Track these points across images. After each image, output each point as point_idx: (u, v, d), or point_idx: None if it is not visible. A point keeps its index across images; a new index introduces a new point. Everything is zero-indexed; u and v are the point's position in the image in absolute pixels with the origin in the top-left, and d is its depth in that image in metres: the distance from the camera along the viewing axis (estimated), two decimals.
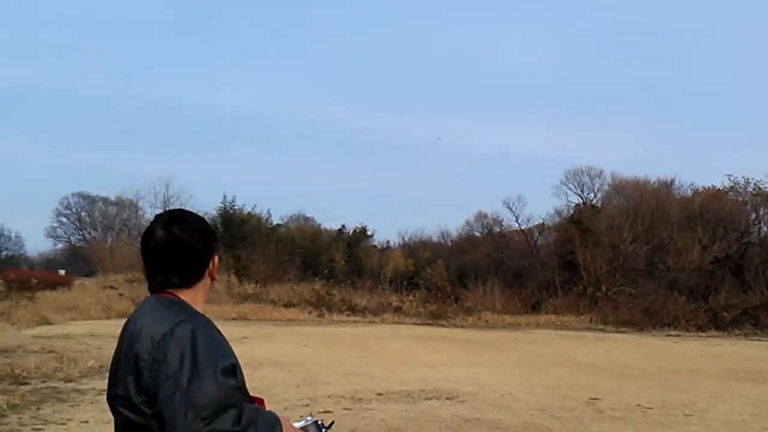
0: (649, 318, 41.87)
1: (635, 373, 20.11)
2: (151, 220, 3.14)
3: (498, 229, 64.23)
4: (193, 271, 3.03)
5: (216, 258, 3.11)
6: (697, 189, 55.43)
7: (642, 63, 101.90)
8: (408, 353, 24.07)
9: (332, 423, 3.27)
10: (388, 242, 76.71)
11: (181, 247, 2.98)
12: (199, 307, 3.02)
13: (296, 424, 3.05)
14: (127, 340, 2.92)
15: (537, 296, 50.42)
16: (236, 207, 57.45)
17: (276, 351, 22.73)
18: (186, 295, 3.00)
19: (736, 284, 46.16)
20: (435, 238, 77.89)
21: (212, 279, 3.12)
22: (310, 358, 21.44)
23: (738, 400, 15.66)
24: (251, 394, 3.00)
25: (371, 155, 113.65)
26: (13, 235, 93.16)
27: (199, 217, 3.16)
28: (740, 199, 51.93)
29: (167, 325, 2.81)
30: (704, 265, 47.58)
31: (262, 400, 3.00)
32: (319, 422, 3.16)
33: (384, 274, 57.80)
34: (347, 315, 43.01)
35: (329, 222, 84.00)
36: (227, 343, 2.96)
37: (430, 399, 14.54)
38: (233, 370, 2.83)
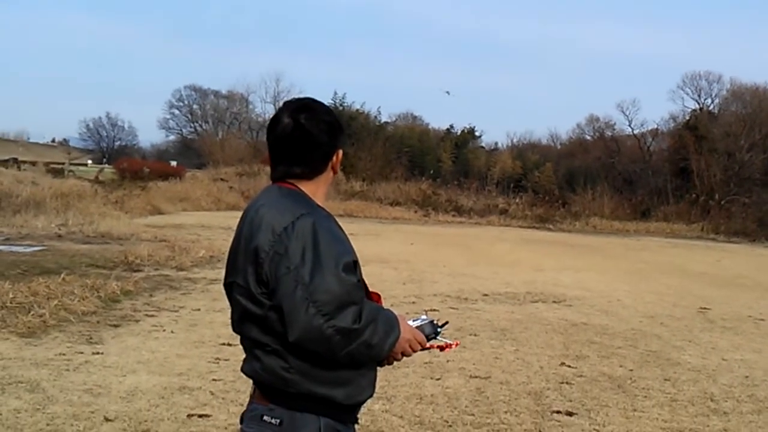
0: (762, 229, 40.86)
1: (747, 284, 19.65)
2: (280, 107, 3.05)
3: (610, 133, 62.84)
4: (316, 163, 2.96)
5: (340, 152, 3.04)
6: None
7: None
8: (514, 256, 23.98)
9: (446, 323, 3.20)
10: (496, 144, 76.12)
11: (306, 136, 2.90)
12: (320, 200, 2.96)
13: (412, 323, 3.00)
14: (246, 229, 2.88)
15: (647, 203, 49.60)
16: (345, 104, 57.49)
17: (382, 248, 22.91)
18: (307, 187, 2.95)
19: None
20: (544, 141, 77.11)
21: (334, 173, 3.06)
22: (416, 256, 21.54)
23: None
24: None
25: (483, 55, 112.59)
26: (126, 126, 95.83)
27: (328, 108, 3.07)
28: None
29: (289, 218, 2.76)
30: None
31: (379, 296, 2.95)
32: (435, 321, 3.09)
33: (491, 176, 57.57)
34: (453, 216, 43.07)
35: (437, 122, 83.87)
36: (348, 238, 2.90)
37: (536, 302, 14.44)
38: (354, 266, 2.79)
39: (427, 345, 3.02)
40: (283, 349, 2.75)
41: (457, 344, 3.17)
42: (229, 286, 2.92)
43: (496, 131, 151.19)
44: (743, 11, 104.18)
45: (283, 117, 2.93)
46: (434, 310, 12.47)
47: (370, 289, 2.94)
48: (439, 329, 3.07)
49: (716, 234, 40.95)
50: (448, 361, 8.95)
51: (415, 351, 2.96)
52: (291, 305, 2.65)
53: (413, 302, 13.37)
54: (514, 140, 78.08)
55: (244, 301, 2.82)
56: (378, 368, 2.96)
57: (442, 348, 3.12)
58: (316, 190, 2.97)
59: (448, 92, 70.26)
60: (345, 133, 3.14)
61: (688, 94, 58.68)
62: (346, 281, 2.69)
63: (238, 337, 2.97)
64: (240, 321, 2.89)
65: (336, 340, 2.65)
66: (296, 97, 3.16)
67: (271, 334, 2.77)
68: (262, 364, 2.82)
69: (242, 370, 2.95)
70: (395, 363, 2.99)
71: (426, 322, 3.05)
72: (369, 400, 2.99)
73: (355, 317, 2.67)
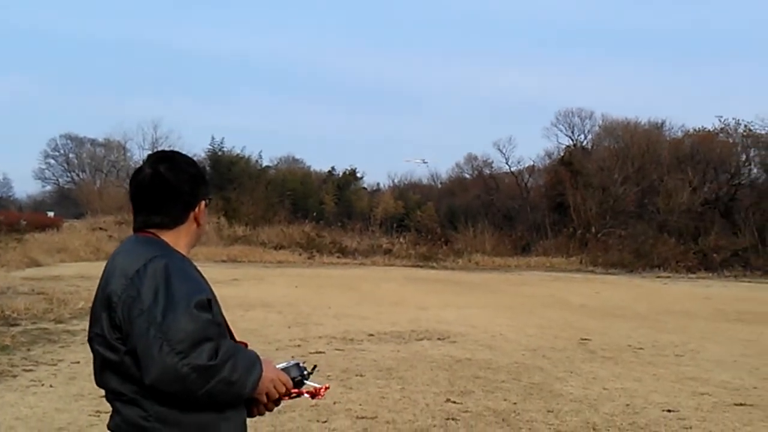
0: (638, 259, 42.10)
1: (625, 314, 20.17)
2: (144, 159, 3.08)
3: (488, 171, 64.03)
4: (175, 212, 2.96)
5: (203, 203, 3.04)
6: (688, 131, 55.50)
7: (632, 3, 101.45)
8: (399, 295, 24.08)
9: (315, 367, 3.19)
10: (377, 184, 76.66)
11: (164, 186, 2.91)
12: (183, 250, 2.96)
13: (278, 366, 2.97)
14: (103, 278, 2.88)
15: (527, 238, 50.56)
16: (225, 149, 57.24)
17: (267, 292, 22.76)
18: (167, 236, 2.94)
19: (726, 226, 46.46)
20: (425, 181, 77.82)
21: (198, 224, 3.04)
22: (301, 299, 21.44)
23: (728, 341, 15.71)
24: (240, 338, 2.95)
25: (362, 98, 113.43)
26: (1, 178, 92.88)
27: (191, 159, 3.10)
28: (730, 140, 51.97)
29: (141, 261, 2.76)
30: (694, 207, 47.73)
31: (246, 345, 2.92)
32: (301, 364, 3.08)
33: (374, 216, 57.80)
34: (337, 257, 43.08)
35: (319, 164, 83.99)
36: (204, 278, 2.89)
37: (421, 340, 14.53)
38: (208, 304, 2.76)
39: (295, 391, 3.00)
40: (140, 397, 2.72)
41: (326, 388, 3.14)
42: (91, 339, 2.88)
43: (378, 172, 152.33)
44: (612, 48, 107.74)
45: (145, 167, 2.95)
46: (320, 352, 12.46)
47: (238, 339, 2.93)
48: (306, 372, 3.06)
49: (594, 266, 41.96)
50: (334, 402, 8.93)
51: (281, 393, 2.91)
52: (145, 346, 2.62)
53: (299, 345, 13.31)
54: (396, 181, 78.77)
55: (102, 350, 2.80)
56: (261, 416, 2.93)
57: (312, 394, 3.09)
58: (177, 239, 2.95)
59: (425, 161, 70.77)
60: (209, 185, 3.15)
61: (561, 130, 60.41)
62: (199, 318, 2.66)
63: None
64: (100, 372, 2.86)
65: (192, 378, 2.60)
66: (160, 149, 3.18)
67: (128, 382, 2.73)
68: (122, 415, 2.78)
69: (108, 426, 2.88)
70: (267, 413, 2.96)
71: (292, 364, 3.04)
72: None
73: (211, 354, 2.63)
